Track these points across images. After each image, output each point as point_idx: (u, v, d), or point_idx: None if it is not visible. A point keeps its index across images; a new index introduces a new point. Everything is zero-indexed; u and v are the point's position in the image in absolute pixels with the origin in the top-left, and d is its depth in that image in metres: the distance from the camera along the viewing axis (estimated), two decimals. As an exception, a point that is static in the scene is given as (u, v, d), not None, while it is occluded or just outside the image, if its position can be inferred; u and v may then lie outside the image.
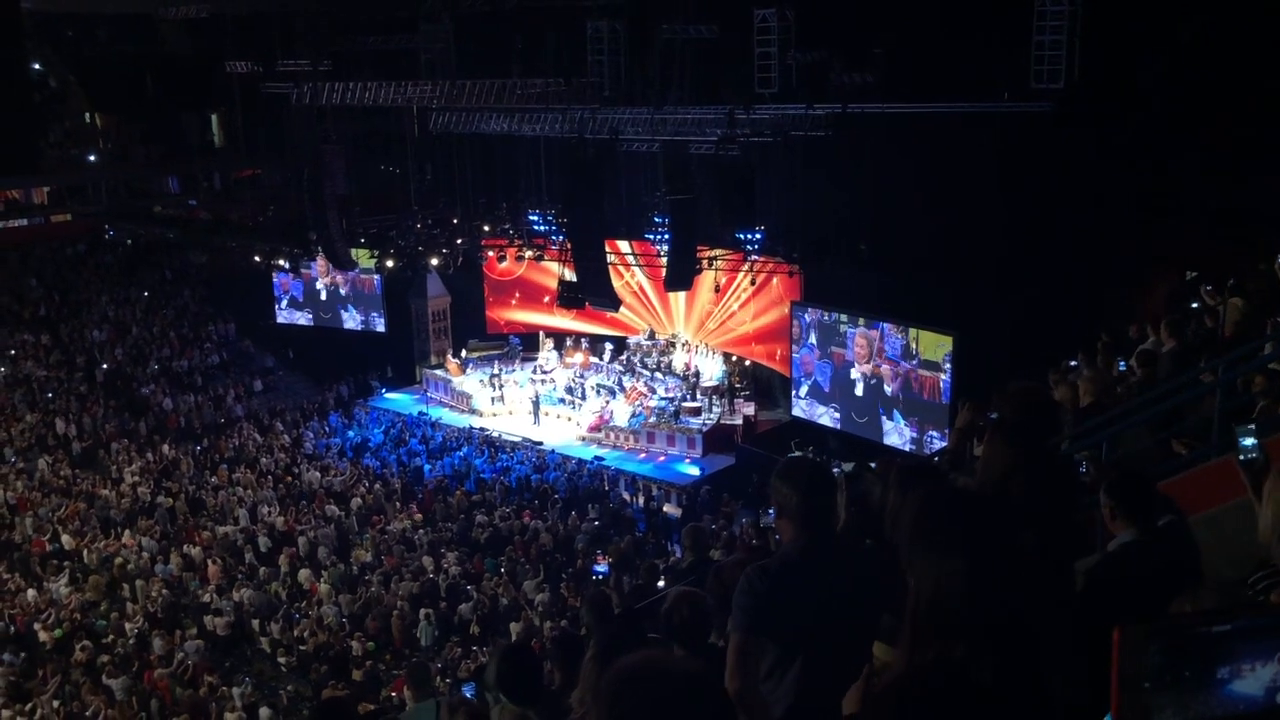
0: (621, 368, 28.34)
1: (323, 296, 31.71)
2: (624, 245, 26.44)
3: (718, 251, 24.34)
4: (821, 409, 23.48)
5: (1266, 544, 3.59)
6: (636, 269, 27.54)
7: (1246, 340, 7.68)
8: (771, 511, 3.79)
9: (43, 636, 17.85)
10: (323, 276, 31.21)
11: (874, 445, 21.20)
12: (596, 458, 24.53)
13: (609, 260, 22.79)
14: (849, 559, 3.46)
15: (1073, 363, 9.59)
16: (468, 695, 6.55)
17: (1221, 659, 1.57)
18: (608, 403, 26.52)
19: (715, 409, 25.97)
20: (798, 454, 21.02)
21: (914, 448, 20.88)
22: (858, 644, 3.16)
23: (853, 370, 22.51)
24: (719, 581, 5.32)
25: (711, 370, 27.23)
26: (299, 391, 31.07)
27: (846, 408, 22.89)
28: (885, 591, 3.01)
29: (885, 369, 21.82)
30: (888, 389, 21.76)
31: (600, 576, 9.30)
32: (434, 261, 27.03)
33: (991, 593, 1.72)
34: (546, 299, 28.61)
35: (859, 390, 22.50)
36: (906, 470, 3.86)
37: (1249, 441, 4.19)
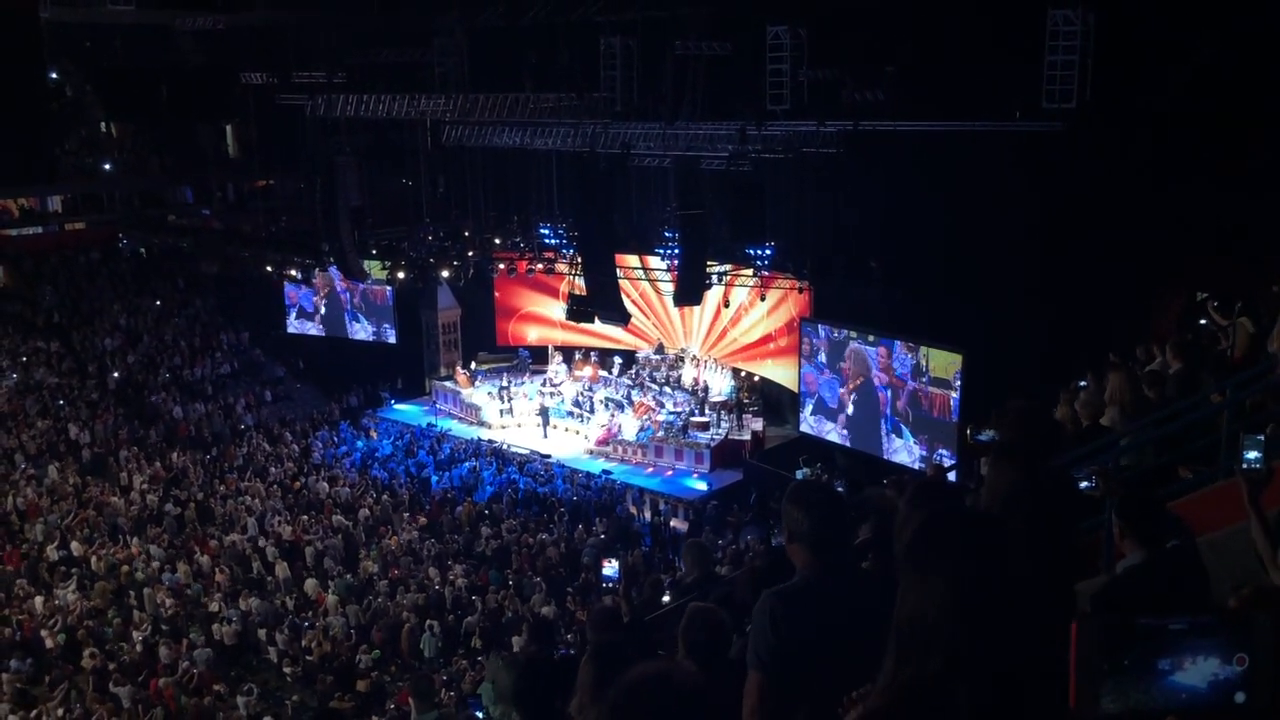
0: (630, 381, 28.35)
1: (334, 307, 31.82)
2: (634, 259, 26.49)
3: (728, 267, 24.40)
4: (830, 425, 23.45)
5: None
6: (646, 283, 27.60)
7: (1255, 361, 7.67)
8: (780, 535, 3.75)
9: (49, 643, 17.88)
10: (321, 292, 31.34)
11: (883, 462, 21.17)
12: (604, 471, 24.52)
13: (618, 274, 22.85)
14: (863, 584, 3.37)
15: (1082, 383, 9.57)
16: (477, 715, 6.52)
17: (1163, 651, 1.64)
18: (614, 416, 26.52)
19: (723, 424, 25.95)
20: (806, 474, 21.06)
21: (922, 465, 20.82)
22: (871, 673, 3.09)
23: (853, 384, 22.56)
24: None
25: (720, 385, 27.23)
26: (309, 401, 31.16)
27: (849, 424, 22.89)
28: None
29: (861, 382, 21.98)
30: (884, 402, 21.84)
31: (610, 583, 9.24)
32: (445, 273, 27.15)
33: (972, 614, 1.73)
34: (557, 312, 28.69)
35: (850, 408, 22.56)
36: (921, 487, 3.85)
37: (1254, 454, 4.19)
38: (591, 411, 27.02)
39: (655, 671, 1.87)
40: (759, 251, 23.00)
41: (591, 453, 25.87)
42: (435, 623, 17.75)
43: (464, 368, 30.29)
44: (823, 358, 23.38)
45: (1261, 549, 4.04)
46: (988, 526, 2.01)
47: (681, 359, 28.63)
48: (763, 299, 24.89)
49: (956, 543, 1.84)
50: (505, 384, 28.52)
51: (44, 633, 18.06)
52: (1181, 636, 1.65)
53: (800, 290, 23.72)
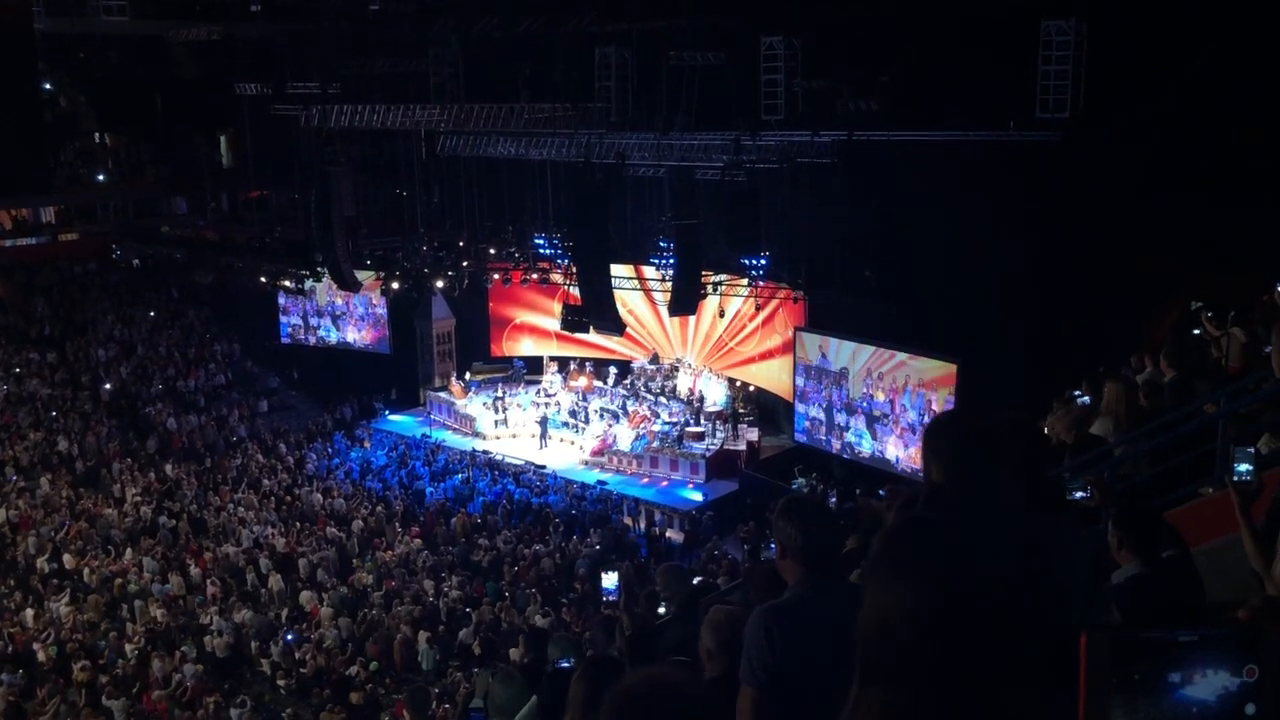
0: (625, 392, 28.31)
1: (328, 318, 31.79)
2: (629, 270, 26.49)
3: (722, 276, 24.42)
4: (825, 435, 23.45)
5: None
6: (641, 293, 27.61)
7: (1251, 371, 7.66)
8: (773, 547, 3.71)
9: (41, 656, 17.79)
10: (316, 302, 31.31)
11: (879, 472, 21.15)
12: (599, 482, 24.46)
13: (614, 284, 22.85)
14: (855, 598, 3.35)
15: (1076, 393, 9.57)
16: None
17: (1174, 664, 1.62)
18: (610, 426, 26.48)
19: (719, 434, 25.91)
20: (802, 484, 21.02)
21: (920, 474, 20.80)
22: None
23: (848, 394, 22.58)
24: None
25: (715, 395, 27.20)
26: (303, 412, 31.07)
27: (843, 433, 22.89)
28: None
29: (856, 393, 22.06)
30: (879, 413, 21.87)
31: (610, 595, 9.18)
32: (439, 284, 27.12)
33: (940, 629, 1.65)
34: (551, 323, 28.66)
35: (850, 417, 22.58)
36: (910, 499, 3.84)
37: (1244, 467, 4.19)
38: (586, 422, 26.98)
39: (653, 679, 1.82)
40: (754, 261, 23.02)
41: (587, 463, 25.80)
42: (430, 635, 17.68)
43: (459, 378, 30.23)
44: (817, 367, 23.39)
45: (1254, 562, 4.03)
46: (954, 535, 1.94)
47: (677, 369, 28.61)
48: (758, 309, 24.90)
49: (918, 550, 1.77)
50: (500, 394, 28.46)
51: (36, 646, 17.95)
52: (1191, 649, 1.63)
53: (795, 300, 23.73)
